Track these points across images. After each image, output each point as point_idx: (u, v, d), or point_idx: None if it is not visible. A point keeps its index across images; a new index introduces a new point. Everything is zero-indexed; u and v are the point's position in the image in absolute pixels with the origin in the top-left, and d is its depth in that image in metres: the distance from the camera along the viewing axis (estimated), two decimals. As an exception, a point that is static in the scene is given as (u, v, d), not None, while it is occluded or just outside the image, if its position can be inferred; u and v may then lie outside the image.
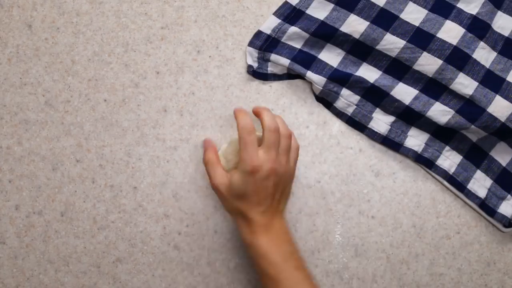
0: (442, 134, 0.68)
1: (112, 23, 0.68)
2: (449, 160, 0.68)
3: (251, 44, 0.68)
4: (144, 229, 0.67)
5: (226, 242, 0.67)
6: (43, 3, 0.68)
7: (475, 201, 0.68)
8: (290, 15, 0.68)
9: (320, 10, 0.68)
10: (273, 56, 0.68)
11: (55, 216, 0.67)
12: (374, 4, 0.67)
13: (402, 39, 0.66)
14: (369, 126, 0.68)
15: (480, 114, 0.65)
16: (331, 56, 0.68)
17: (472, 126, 0.65)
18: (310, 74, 0.67)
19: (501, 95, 0.65)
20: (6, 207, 0.67)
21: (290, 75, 0.69)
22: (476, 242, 0.69)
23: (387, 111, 0.68)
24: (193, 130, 0.68)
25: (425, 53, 0.65)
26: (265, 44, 0.68)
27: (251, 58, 0.68)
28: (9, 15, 0.68)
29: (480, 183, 0.67)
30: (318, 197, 0.68)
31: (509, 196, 0.67)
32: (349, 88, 0.68)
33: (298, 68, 0.67)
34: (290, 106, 0.69)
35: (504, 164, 0.67)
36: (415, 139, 0.68)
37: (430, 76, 0.66)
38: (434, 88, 0.66)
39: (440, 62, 0.65)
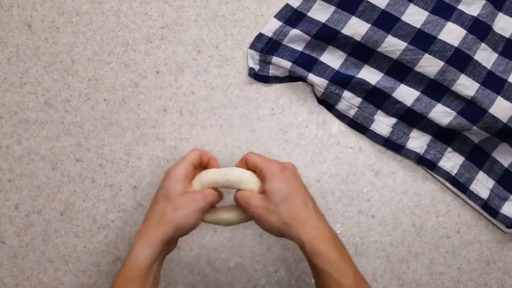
0: (444, 136, 0.68)
1: (112, 22, 0.69)
2: (451, 161, 0.68)
3: (252, 46, 0.68)
4: (143, 229, 0.67)
5: (225, 241, 0.67)
6: (43, 3, 0.68)
7: (477, 202, 0.68)
8: (292, 17, 0.68)
9: (321, 13, 0.68)
10: (275, 59, 0.68)
11: (54, 215, 0.67)
12: (375, 7, 0.67)
13: (404, 41, 0.66)
14: (371, 128, 0.68)
15: (481, 115, 0.65)
16: (333, 59, 0.68)
17: (474, 127, 0.65)
18: (311, 77, 0.67)
19: (503, 96, 0.65)
20: (6, 207, 0.67)
21: (291, 78, 0.69)
22: (476, 241, 0.69)
23: (388, 113, 0.68)
24: (193, 130, 0.68)
25: (426, 55, 0.65)
26: (267, 46, 0.68)
27: (252, 60, 0.68)
28: (9, 14, 0.68)
29: (483, 184, 0.68)
30: (318, 196, 0.68)
31: (511, 196, 0.67)
32: (350, 90, 0.68)
33: (300, 71, 0.67)
34: (290, 106, 0.69)
35: (506, 165, 0.67)
36: (417, 141, 0.68)
37: (432, 77, 0.66)
38: (435, 89, 0.66)
39: (441, 63, 0.65)
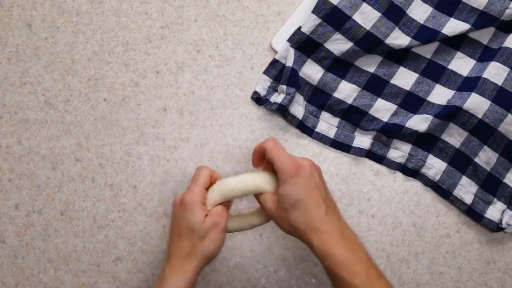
0: (424, 143, 0.68)
1: (112, 22, 0.69)
2: (434, 168, 0.68)
3: (266, 72, 0.68)
4: (144, 228, 0.67)
5: (226, 241, 0.67)
6: (43, 3, 0.68)
7: (461, 207, 0.68)
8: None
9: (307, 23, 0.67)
10: (280, 87, 0.67)
11: (54, 215, 0.67)
12: (361, 27, 0.66)
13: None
14: (353, 145, 0.68)
15: (456, 113, 0.65)
16: (312, 73, 0.68)
17: (451, 124, 0.66)
18: (293, 109, 0.67)
19: (477, 92, 0.65)
20: (6, 206, 0.67)
21: (279, 107, 0.67)
22: (476, 241, 0.69)
23: (366, 130, 0.68)
24: (193, 130, 0.68)
25: (401, 68, 0.66)
26: (280, 74, 0.67)
27: (262, 86, 0.68)
28: (9, 14, 0.68)
29: (466, 189, 0.67)
30: (318, 196, 0.68)
31: (495, 200, 0.67)
32: (328, 110, 0.68)
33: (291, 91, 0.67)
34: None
35: (488, 168, 0.67)
36: (398, 151, 0.68)
37: (408, 89, 0.66)
38: (411, 102, 0.67)
39: (416, 75, 0.66)
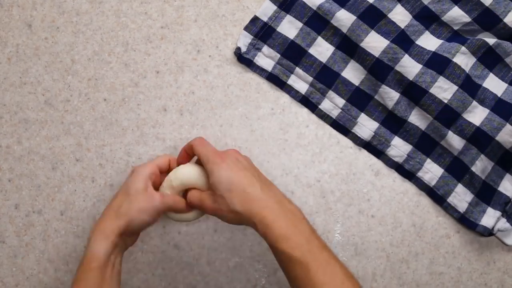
0: (424, 146, 0.68)
1: (112, 22, 0.69)
2: (430, 173, 0.68)
3: (247, 28, 0.68)
4: (144, 228, 0.67)
5: (225, 241, 0.67)
6: (43, 3, 0.68)
7: (454, 214, 0.68)
8: (285, 2, 0.68)
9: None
10: (265, 48, 0.68)
11: (54, 215, 0.67)
12: (363, 0, 0.67)
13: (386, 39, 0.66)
14: (353, 130, 0.68)
15: (455, 120, 0.65)
16: (321, 51, 0.68)
17: (450, 132, 0.66)
18: (292, 81, 0.68)
19: (477, 100, 0.65)
20: (6, 206, 0.67)
21: (270, 76, 0.68)
22: (476, 241, 0.69)
23: (371, 115, 0.68)
24: (193, 130, 0.68)
25: (406, 56, 0.66)
26: (261, 31, 0.68)
27: (243, 42, 0.68)
28: (9, 14, 0.68)
29: (461, 197, 0.67)
30: (318, 196, 0.68)
31: (489, 208, 0.67)
32: (334, 90, 0.68)
33: (287, 64, 0.68)
34: (290, 106, 0.69)
35: (483, 177, 0.67)
36: (398, 150, 0.68)
37: (410, 79, 0.66)
38: (413, 92, 0.66)
39: (419, 66, 0.65)
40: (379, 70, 0.66)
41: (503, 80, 0.67)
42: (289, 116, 0.69)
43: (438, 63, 0.65)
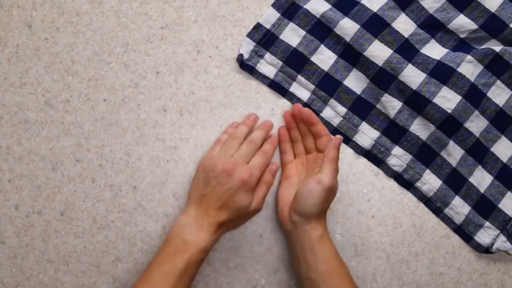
0: (424, 156, 0.68)
1: (112, 23, 0.69)
2: (429, 184, 0.68)
3: (249, 35, 0.68)
4: (144, 229, 0.67)
5: (225, 241, 0.67)
6: (43, 3, 0.68)
7: (450, 225, 0.68)
8: (289, 9, 0.68)
9: (317, 5, 0.68)
10: (268, 56, 0.68)
11: (54, 216, 0.67)
12: (367, 9, 0.67)
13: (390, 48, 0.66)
14: (353, 139, 0.68)
15: (457, 129, 0.65)
16: (323, 59, 0.68)
17: (450, 141, 0.66)
18: (294, 88, 0.68)
19: (479, 111, 0.66)
20: (6, 207, 0.67)
21: (272, 84, 0.68)
22: (476, 241, 0.69)
23: (372, 124, 0.68)
24: (193, 130, 0.68)
25: (410, 65, 0.65)
26: (264, 38, 0.68)
27: (245, 48, 0.68)
28: (9, 15, 0.68)
29: (458, 210, 0.67)
30: (318, 197, 0.68)
31: (487, 223, 0.67)
32: (336, 98, 0.68)
33: (289, 72, 0.68)
34: (290, 106, 0.69)
35: (482, 190, 0.67)
36: (398, 159, 0.68)
37: (414, 88, 0.65)
38: (416, 101, 0.66)
39: (423, 75, 0.65)
40: (382, 79, 0.66)
41: (509, 87, 0.67)
42: (289, 117, 0.69)
43: (442, 73, 0.65)
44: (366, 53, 0.65)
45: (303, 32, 0.67)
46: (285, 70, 0.68)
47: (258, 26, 0.68)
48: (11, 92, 0.67)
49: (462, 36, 0.67)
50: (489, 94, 0.66)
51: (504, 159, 0.67)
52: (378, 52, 0.65)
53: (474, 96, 0.65)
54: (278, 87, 0.68)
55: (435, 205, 0.68)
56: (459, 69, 0.64)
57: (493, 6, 0.65)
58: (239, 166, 0.59)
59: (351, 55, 0.67)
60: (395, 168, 0.68)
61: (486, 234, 0.67)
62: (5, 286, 0.66)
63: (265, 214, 0.67)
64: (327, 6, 0.67)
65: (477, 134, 0.66)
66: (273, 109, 0.69)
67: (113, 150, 0.67)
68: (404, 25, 0.66)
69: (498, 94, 0.66)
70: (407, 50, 0.66)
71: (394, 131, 0.67)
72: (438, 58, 0.65)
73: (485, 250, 0.67)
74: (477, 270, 0.68)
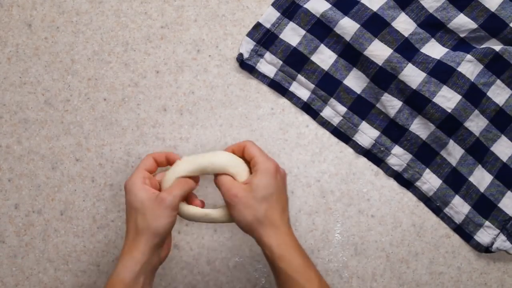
0: (424, 156, 0.67)
1: (112, 22, 0.69)
2: (429, 183, 0.67)
3: (249, 35, 0.68)
4: (143, 228, 0.67)
5: (225, 241, 0.67)
6: (43, 3, 0.68)
7: (450, 225, 0.68)
8: (289, 9, 0.68)
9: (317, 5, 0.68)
10: (268, 55, 0.68)
11: (54, 215, 0.67)
12: (367, 8, 0.67)
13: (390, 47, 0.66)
14: (354, 138, 0.68)
15: (457, 129, 0.65)
16: (323, 58, 0.68)
17: (451, 140, 0.66)
18: (294, 88, 0.68)
19: (479, 110, 0.65)
20: (6, 206, 0.67)
21: (272, 83, 0.68)
22: (476, 241, 0.69)
23: (372, 124, 0.68)
24: (192, 129, 0.68)
25: (410, 65, 0.65)
26: (264, 38, 0.68)
27: (245, 48, 0.68)
28: (9, 14, 0.68)
29: (458, 209, 0.67)
30: (317, 196, 0.68)
31: (486, 222, 0.67)
32: (336, 98, 0.68)
33: (289, 71, 0.67)
34: (290, 106, 0.69)
35: (482, 189, 0.67)
36: (398, 159, 0.68)
37: (414, 88, 0.65)
38: (416, 100, 0.66)
39: (423, 74, 0.65)
40: (382, 78, 0.66)
41: (509, 86, 0.66)
42: (289, 116, 0.69)
43: (442, 72, 0.65)
44: (366, 53, 0.65)
45: (303, 32, 0.67)
46: (285, 70, 0.68)
47: (258, 25, 0.68)
48: (11, 92, 0.67)
49: (462, 35, 0.67)
50: (489, 94, 0.66)
51: (504, 158, 0.67)
52: (378, 51, 0.65)
53: (474, 95, 0.65)
54: (278, 87, 0.68)
55: (435, 204, 0.68)
56: (459, 69, 0.64)
57: (493, 5, 0.65)
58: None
59: (351, 54, 0.67)
60: (395, 168, 0.68)
61: (486, 234, 0.67)
62: (5, 285, 0.66)
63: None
64: (327, 5, 0.67)
65: (477, 134, 0.66)
66: (273, 109, 0.69)
67: (113, 150, 0.67)
68: (404, 24, 0.66)
69: (498, 93, 0.66)
70: (407, 49, 0.66)
71: (394, 131, 0.67)
72: (438, 57, 0.65)
73: (485, 250, 0.67)
74: (477, 269, 0.68)
